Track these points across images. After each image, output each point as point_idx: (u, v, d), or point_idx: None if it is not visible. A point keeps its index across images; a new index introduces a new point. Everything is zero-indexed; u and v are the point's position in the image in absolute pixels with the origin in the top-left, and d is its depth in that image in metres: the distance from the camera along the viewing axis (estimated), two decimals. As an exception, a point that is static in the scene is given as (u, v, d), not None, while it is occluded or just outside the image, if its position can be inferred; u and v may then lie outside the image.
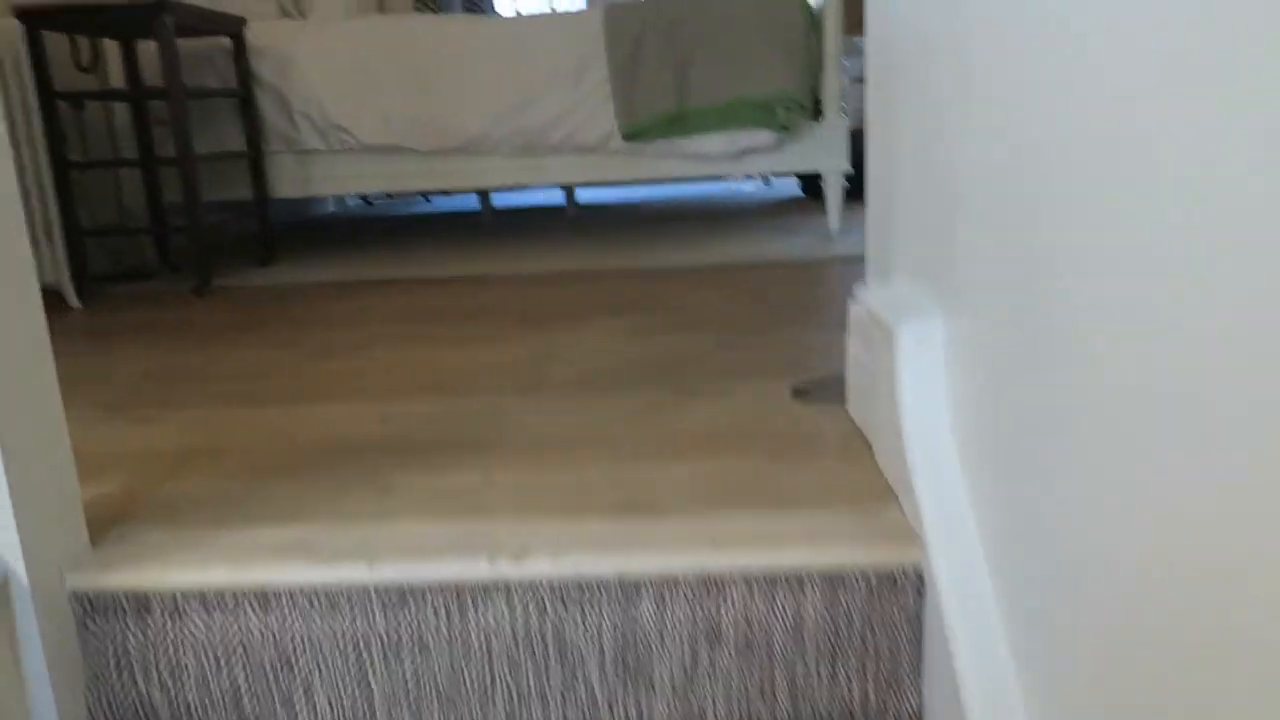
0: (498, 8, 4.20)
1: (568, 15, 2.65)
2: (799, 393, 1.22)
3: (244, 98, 2.51)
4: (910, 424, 0.77)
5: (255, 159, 2.57)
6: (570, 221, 3.42)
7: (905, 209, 0.93)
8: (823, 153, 2.64)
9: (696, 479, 0.97)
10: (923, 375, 0.77)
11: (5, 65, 1.96)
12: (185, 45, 2.62)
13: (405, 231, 3.41)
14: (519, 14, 2.72)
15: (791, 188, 4.47)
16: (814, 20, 2.62)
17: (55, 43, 2.42)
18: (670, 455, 1.05)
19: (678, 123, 2.59)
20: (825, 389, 1.22)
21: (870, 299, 0.98)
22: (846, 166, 2.65)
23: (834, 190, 2.68)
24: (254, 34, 2.59)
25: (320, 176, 2.69)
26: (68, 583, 0.84)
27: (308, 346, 1.67)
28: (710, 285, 2.08)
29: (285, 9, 2.82)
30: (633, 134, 2.59)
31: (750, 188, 4.54)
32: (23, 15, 2.09)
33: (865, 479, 0.95)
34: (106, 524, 0.94)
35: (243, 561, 0.84)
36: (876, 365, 0.93)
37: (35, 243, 2.04)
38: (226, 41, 2.57)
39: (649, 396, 1.27)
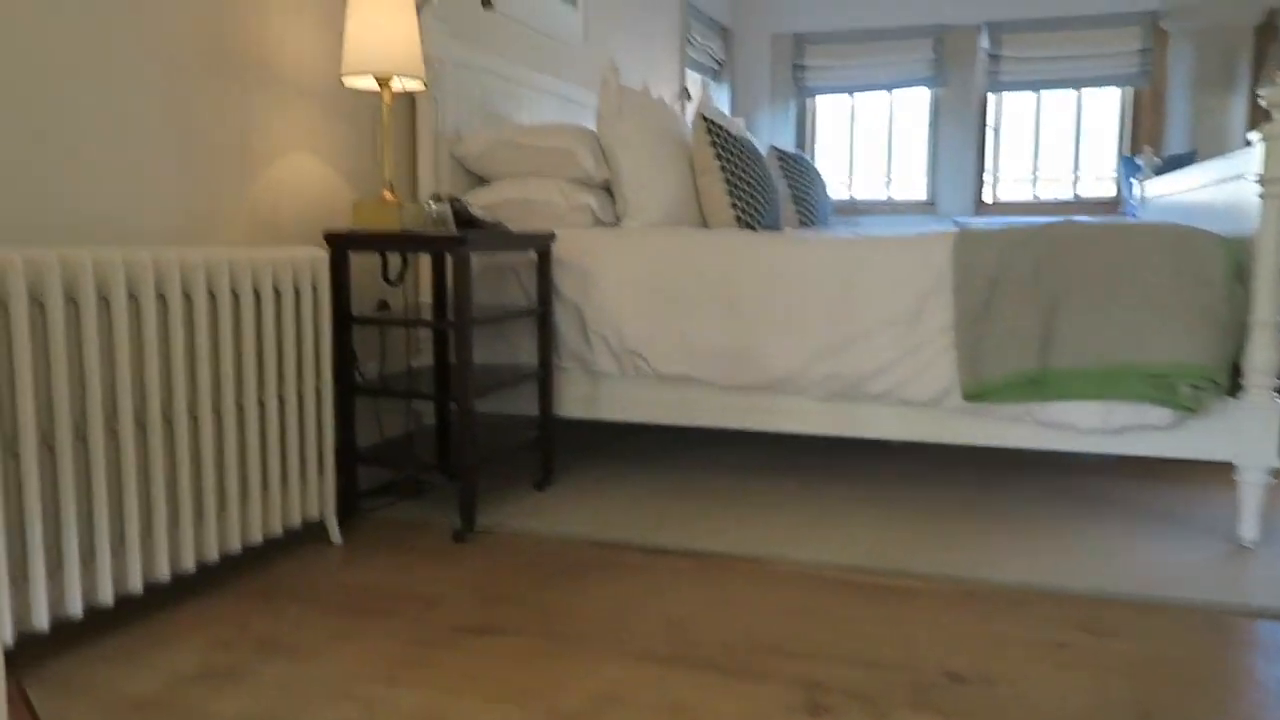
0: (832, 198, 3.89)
1: (910, 241, 2.22)
2: None
3: (542, 315, 2.33)
4: None
5: (544, 377, 2.37)
6: (874, 449, 2.94)
7: None
8: (1239, 440, 1.99)
9: None
10: None
11: (302, 294, 1.88)
12: (492, 258, 2.51)
13: (693, 432, 3.10)
14: (853, 235, 2.35)
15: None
16: (1239, 266, 2.00)
17: (364, 256, 2.39)
18: None
19: (1037, 386, 2.06)
20: None
21: None
22: (1276, 461, 1.97)
23: (1253, 489, 2.00)
24: (559, 244, 2.43)
25: (610, 399, 2.44)
26: None
27: (539, 703, 1.34)
28: (1068, 646, 1.51)
29: (598, 216, 2.65)
30: (977, 395, 2.09)
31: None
32: (332, 241, 2.03)
33: None
34: None
35: None
36: None
37: (303, 475, 1.92)
38: (533, 253, 2.43)
39: None
